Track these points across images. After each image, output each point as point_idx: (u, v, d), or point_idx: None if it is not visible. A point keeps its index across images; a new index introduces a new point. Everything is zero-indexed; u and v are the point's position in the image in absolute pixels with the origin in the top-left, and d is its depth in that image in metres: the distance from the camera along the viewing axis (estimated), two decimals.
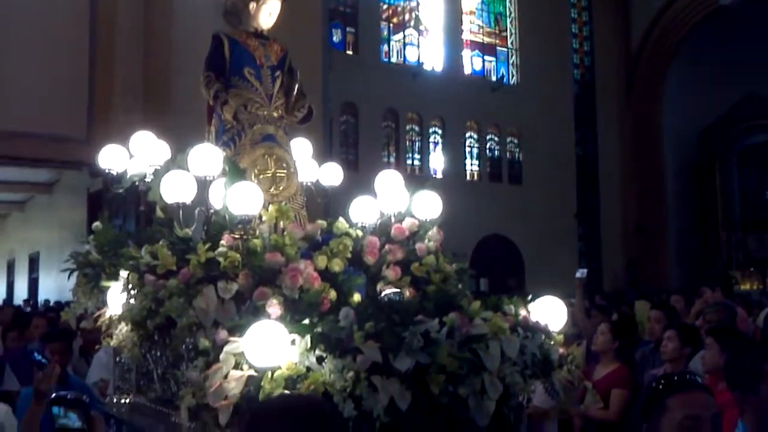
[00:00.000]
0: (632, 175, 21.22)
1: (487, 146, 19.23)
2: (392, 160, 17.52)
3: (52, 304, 11.55)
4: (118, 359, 3.74)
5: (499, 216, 18.03)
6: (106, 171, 4.00)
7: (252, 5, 4.09)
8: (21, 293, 19.53)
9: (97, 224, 3.80)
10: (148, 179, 3.88)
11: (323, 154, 9.26)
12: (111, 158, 3.96)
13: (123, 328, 3.34)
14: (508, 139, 19.58)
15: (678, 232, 21.34)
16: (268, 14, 4.11)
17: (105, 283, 3.55)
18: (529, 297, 3.19)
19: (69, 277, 3.91)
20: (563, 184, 19.74)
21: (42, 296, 16.24)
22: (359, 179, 4.94)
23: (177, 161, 3.67)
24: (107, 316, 3.53)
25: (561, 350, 3.06)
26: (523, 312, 3.06)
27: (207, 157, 3.47)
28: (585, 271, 7.74)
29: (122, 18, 12.57)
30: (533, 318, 3.06)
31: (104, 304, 3.57)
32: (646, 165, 20.99)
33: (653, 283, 18.60)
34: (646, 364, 4.99)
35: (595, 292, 13.63)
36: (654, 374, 4.41)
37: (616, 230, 21.05)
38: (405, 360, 2.51)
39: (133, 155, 3.99)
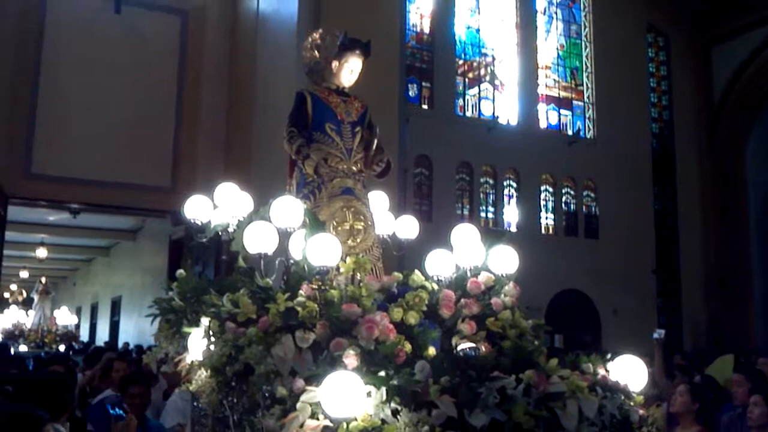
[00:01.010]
0: (714, 230, 20.56)
1: (563, 200, 19.00)
2: (466, 212, 17.50)
3: (131, 347, 11.87)
4: (195, 404, 3.82)
5: (574, 270, 17.70)
6: (191, 220, 4.15)
7: (334, 63, 4.24)
8: (102, 335, 20.17)
9: (180, 272, 3.92)
10: (231, 229, 4.00)
11: (398, 205, 9.36)
12: (196, 208, 4.12)
13: (202, 374, 3.42)
14: (584, 193, 19.31)
15: (763, 288, 20.44)
16: (349, 72, 4.26)
17: (186, 329, 3.64)
18: (608, 355, 3.12)
19: (152, 323, 4.04)
20: (641, 238, 19.27)
21: (122, 339, 16.72)
22: (433, 231, 4.97)
23: (260, 212, 3.78)
24: (187, 361, 3.62)
25: (641, 411, 2.97)
26: (601, 371, 3.00)
27: (288, 209, 3.56)
28: (663, 331, 7.51)
29: (208, 72, 13.13)
30: (612, 377, 2.99)
31: (185, 349, 3.66)
32: (728, 219, 20.33)
33: (737, 342, 17.79)
34: (733, 430, 4.77)
35: (675, 351, 13.14)
36: None
37: (697, 286, 20.33)
38: (480, 416, 2.49)
39: (216, 206, 4.14)
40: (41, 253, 18.64)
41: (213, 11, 13.44)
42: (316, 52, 4.31)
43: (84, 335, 21.34)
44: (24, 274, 21.88)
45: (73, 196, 12.48)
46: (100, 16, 12.38)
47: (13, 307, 20.67)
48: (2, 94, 11.52)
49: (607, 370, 3.02)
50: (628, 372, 3.05)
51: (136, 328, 15.97)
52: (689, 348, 17.97)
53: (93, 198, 12.46)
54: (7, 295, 22.23)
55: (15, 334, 17.47)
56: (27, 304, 20.55)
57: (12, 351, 14.65)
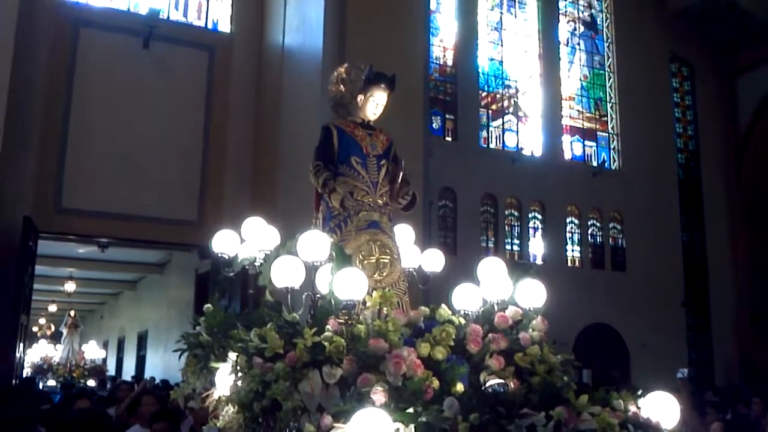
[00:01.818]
0: (744, 262, 20.23)
1: (589, 232, 18.84)
2: (491, 245, 17.43)
3: (157, 381, 11.89)
4: None
5: (602, 304, 17.48)
6: (218, 254, 4.17)
7: (360, 97, 4.28)
8: (129, 370, 20.24)
9: (207, 306, 3.93)
10: (257, 264, 4.02)
11: (423, 238, 9.34)
12: (223, 242, 4.14)
13: (229, 410, 3.40)
14: (611, 225, 19.15)
15: None
16: (375, 106, 4.30)
17: (214, 365, 3.64)
18: (639, 392, 3.07)
19: (180, 357, 4.05)
20: (669, 271, 19.02)
21: (148, 373, 16.76)
22: (458, 264, 4.94)
23: (286, 247, 3.80)
24: (215, 396, 3.61)
25: None
26: (632, 407, 2.95)
27: (315, 243, 3.57)
28: (686, 371, 7.41)
29: (234, 106, 13.32)
30: (644, 414, 2.94)
31: (212, 384, 3.66)
32: (759, 250, 20.01)
33: None
34: None
35: (707, 387, 12.90)
36: None
37: (727, 320, 19.96)
38: None
39: (243, 240, 4.16)
40: (70, 287, 18.82)
41: (239, 46, 13.67)
42: (341, 86, 4.35)
43: (111, 369, 21.42)
44: (52, 308, 22.09)
45: (101, 230, 12.63)
46: (129, 51, 12.64)
47: (42, 341, 20.85)
48: (33, 128, 11.74)
49: (638, 407, 2.96)
50: (660, 409, 2.98)
51: (163, 362, 16.01)
52: (721, 384, 17.59)
53: (121, 232, 12.59)
54: (35, 329, 22.44)
55: (43, 369, 17.55)
56: (55, 338, 20.71)
57: (40, 386, 14.76)
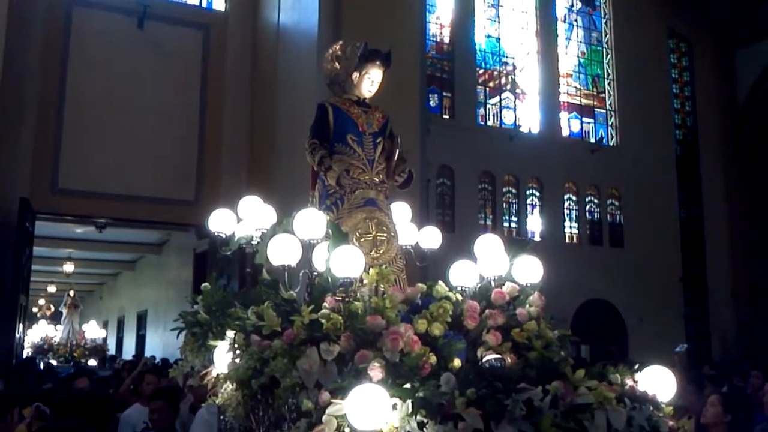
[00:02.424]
0: (741, 235, 20.28)
1: (587, 208, 18.86)
2: (489, 222, 17.44)
3: (158, 360, 11.94)
4: (222, 417, 3.82)
5: (599, 280, 17.54)
6: (215, 233, 4.17)
7: (355, 75, 4.25)
8: (129, 349, 20.33)
9: (205, 285, 3.93)
10: (254, 242, 4.02)
11: (420, 216, 9.35)
12: (220, 221, 4.13)
13: (228, 387, 3.42)
14: (609, 201, 19.16)
15: None
16: (370, 83, 4.26)
17: (212, 343, 3.64)
18: (636, 366, 3.08)
19: (178, 336, 4.06)
20: (667, 246, 19.06)
21: (148, 352, 16.84)
22: (456, 241, 4.96)
23: (283, 225, 3.79)
24: (213, 374, 3.62)
25: (671, 423, 2.92)
26: (629, 381, 2.96)
27: (311, 221, 3.56)
28: (685, 346, 7.47)
29: (230, 86, 13.25)
30: (641, 388, 2.95)
31: (211, 362, 3.67)
32: (755, 224, 20.05)
33: None
34: None
35: (704, 361, 12.97)
36: None
37: (725, 294, 20.05)
38: (507, 428, 2.46)
39: (240, 219, 4.16)
40: (68, 267, 18.86)
41: (234, 25, 13.57)
42: (336, 63, 4.32)
43: (111, 349, 21.51)
44: (51, 289, 22.15)
45: (98, 211, 12.63)
46: (123, 31, 12.56)
47: (42, 321, 20.91)
48: (29, 111, 11.69)
49: (635, 381, 2.98)
50: (657, 382, 3.00)
51: (162, 342, 16.07)
52: (718, 357, 17.70)
53: (118, 212, 12.59)
54: (35, 309, 22.50)
55: (44, 349, 17.62)
56: (55, 318, 20.77)
57: (42, 365, 14.83)
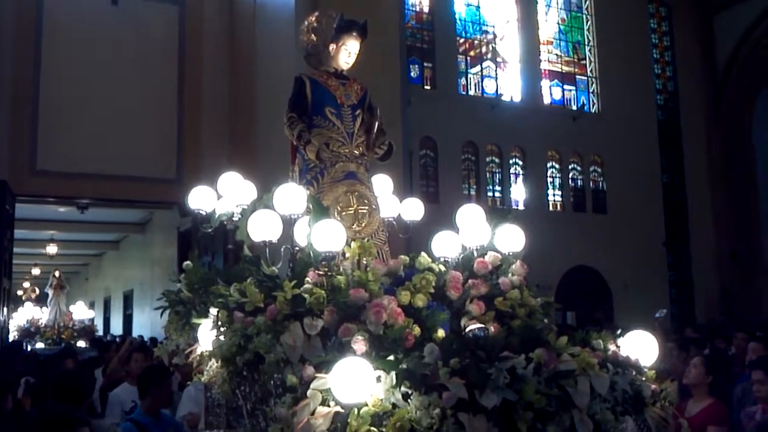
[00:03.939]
0: (723, 200, 20.46)
1: (570, 176, 18.93)
2: (473, 192, 17.47)
3: (146, 339, 11.92)
4: (208, 395, 3.82)
5: (584, 247, 17.66)
6: (196, 211, 4.14)
7: (332, 47, 4.20)
8: (116, 329, 20.29)
9: (187, 263, 3.91)
10: (235, 218, 3.99)
11: (403, 188, 9.33)
12: (200, 199, 4.10)
13: (213, 365, 3.42)
14: (591, 168, 19.24)
15: None
16: (347, 54, 4.21)
17: (196, 320, 3.63)
18: (619, 331, 3.10)
19: (162, 315, 4.05)
20: (650, 211, 19.21)
21: (136, 332, 16.80)
22: (440, 212, 4.95)
23: (263, 201, 3.76)
24: (198, 352, 3.62)
25: (653, 386, 2.95)
26: (612, 347, 2.98)
27: (291, 196, 3.53)
28: (664, 311, 7.56)
29: (208, 61, 13.08)
30: (623, 353, 2.98)
31: (195, 340, 3.66)
32: (737, 188, 20.22)
33: (750, 313, 17.76)
34: (747, 400, 4.76)
35: (687, 324, 13.11)
36: (750, 412, 4.20)
37: (708, 258, 20.27)
38: (491, 397, 2.48)
39: (221, 195, 4.13)
40: (51, 249, 18.69)
41: None
42: (313, 35, 4.27)
43: (98, 330, 21.44)
44: (36, 271, 21.98)
45: (79, 191, 12.50)
46: (97, 8, 12.34)
47: (28, 304, 20.75)
48: (3, 91, 11.50)
49: (617, 346, 3.00)
50: (639, 347, 3.03)
51: (150, 321, 16.04)
52: (702, 320, 17.93)
53: (100, 192, 12.48)
54: (20, 293, 22.34)
55: (31, 332, 17.45)
56: (41, 300, 20.62)
57: (29, 348, 14.74)
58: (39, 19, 12.05)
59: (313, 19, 4.29)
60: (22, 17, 11.88)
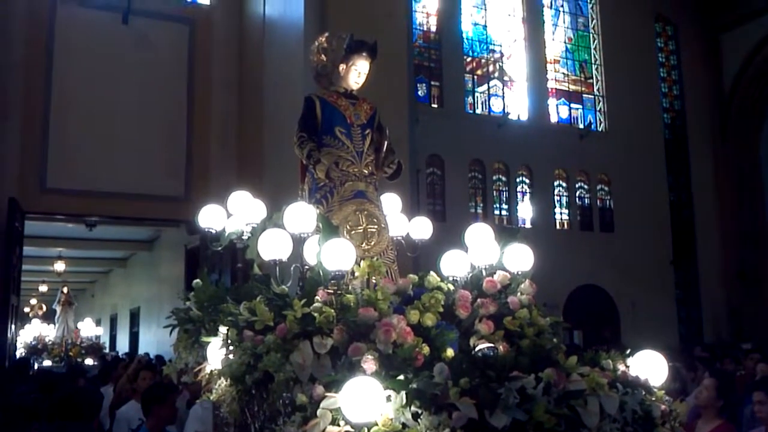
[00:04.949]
0: (731, 219, 20.37)
1: (577, 194, 18.89)
2: (479, 210, 17.46)
3: (152, 357, 11.90)
4: (217, 413, 3.82)
5: (591, 265, 17.59)
6: (206, 229, 4.15)
7: (341, 67, 4.23)
8: (122, 347, 20.27)
9: (197, 281, 3.92)
10: (245, 237, 4.01)
11: (411, 206, 9.35)
12: (210, 217, 4.12)
13: (222, 383, 3.42)
14: (598, 187, 19.21)
15: None
16: (357, 74, 4.25)
17: (205, 339, 3.64)
18: (628, 351, 3.10)
19: (171, 333, 4.05)
20: (657, 230, 19.13)
21: (142, 349, 16.77)
22: (447, 230, 4.96)
23: (273, 219, 3.78)
24: (207, 371, 3.62)
25: (663, 406, 2.94)
26: (621, 367, 2.98)
27: (301, 215, 3.55)
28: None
29: (217, 80, 13.19)
30: (632, 373, 2.97)
31: (204, 359, 3.67)
32: (745, 207, 20.15)
33: (759, 333, 17.64)
34: (756, 422, 4.73)
35: (696, 343, 13.04)
36: None
37: (716, 277, 20.15)
38: (501, 417, 2.47)
39: (230, 214, 4.15)
40: (59, 266, 18.74)
41: (220, 18, 13.50)
42: (323, 55, 4.30)
43: (105, 347, 21.41)
44: (43, 288, 22.03)
45: (88, 209, 12.57)
46: (108, 27, 12.47)
47: (35, 321, 20.74)
48: (15, 109, 11.61)
49: (627, 366, 3.00)
50: (648, 367, 3.02)
51: (156, 339, 16.03)
52: (710, 340, 17.81)
53: (108, 210, 12.54)
54: (27, 309, 22.37)
55: (38, 349, 17.35)
56: (48, 317, 20.62)
57: (36, 366, 14.72)
58: (50, 38, 12.18)
59: (323, 39, 4.33)
60: (34, 36, 12.01)
